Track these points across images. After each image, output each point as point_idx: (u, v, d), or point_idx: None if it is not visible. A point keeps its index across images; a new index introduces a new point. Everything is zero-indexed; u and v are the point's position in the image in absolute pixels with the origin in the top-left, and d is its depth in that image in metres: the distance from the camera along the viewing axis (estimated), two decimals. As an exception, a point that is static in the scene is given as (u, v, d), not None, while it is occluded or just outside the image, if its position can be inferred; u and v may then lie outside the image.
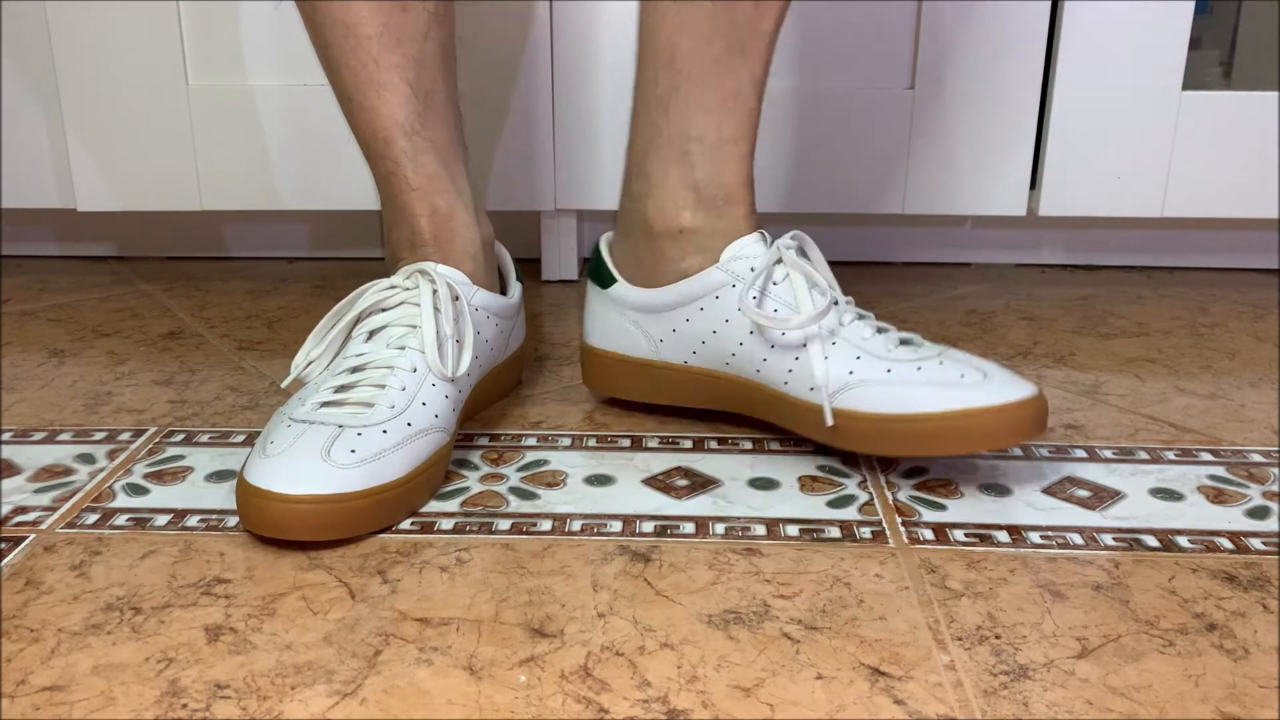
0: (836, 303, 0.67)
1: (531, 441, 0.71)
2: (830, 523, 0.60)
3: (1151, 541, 0.58)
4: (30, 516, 0.61)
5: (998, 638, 0.50)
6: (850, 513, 0.61)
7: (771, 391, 0.68)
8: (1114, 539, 0.59)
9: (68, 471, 0.66)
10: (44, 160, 1.04)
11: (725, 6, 0.65)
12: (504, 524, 0.60)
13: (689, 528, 0.60)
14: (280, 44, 1.00)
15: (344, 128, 0.73)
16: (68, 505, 0.62)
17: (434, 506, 0.62)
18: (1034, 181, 1.03)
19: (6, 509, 0.62)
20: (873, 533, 0.59)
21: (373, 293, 0.67)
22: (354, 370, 0.63)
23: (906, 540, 0.58)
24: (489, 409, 0.75)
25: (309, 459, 0.57)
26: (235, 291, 1.04)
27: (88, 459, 0.68)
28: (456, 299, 0.67)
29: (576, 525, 0.60)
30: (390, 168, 0.70)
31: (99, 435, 0.71)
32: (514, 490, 0.64)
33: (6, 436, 0.71)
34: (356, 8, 0.67)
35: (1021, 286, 1.05)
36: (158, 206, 1.04)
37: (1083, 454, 0.69)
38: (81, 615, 0.52)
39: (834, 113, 1.00)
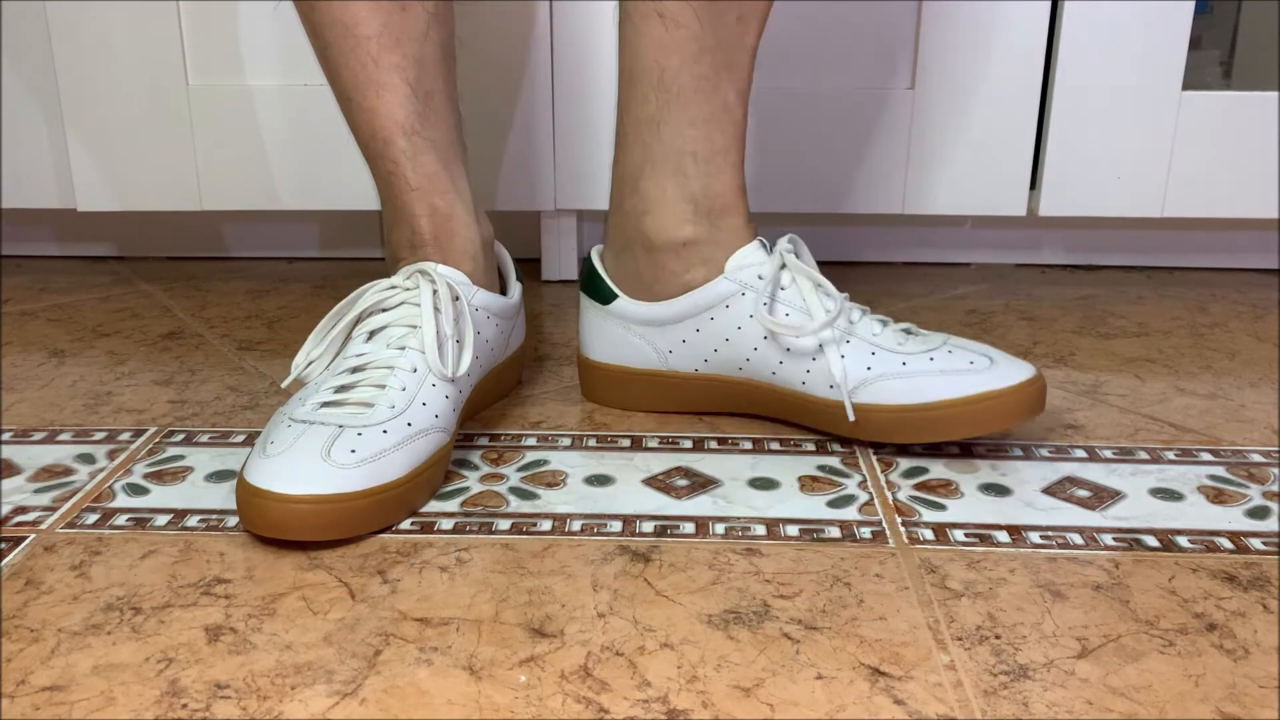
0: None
1: (531, 441, 0.71)
2: (830, 523, 0.60)
3: (1151, 541, 0.58)
4: (30, 516, 0.61)
5: (998, 638, 0.50)
6: (850, 513, 0.61)
7: (788, 392, 0.69)
8: (1114, 539, 0.59)
9: (68, 471, 0.66)
10: (44, 160, 1.04)
11: (710, 27, 0.66)
12: (504, 524, 0.60)
13: (689, 528, 0.60)
14: (280, 44, 1.00)
15: (344, 128, 0.73)
16: (68, 505, 0.62)
17: (434, 506, 0.62)
18: (1034, 181, 1.03)
19: (6, 509, 0.62)
20: (873, 533, 0.59)
21: (373, 293, 0.67)
22: (354, 370, 0.63)
23: (906, 540, 0.58)
24: (489, 409, 0.75)
25: (309, 459, 0.57)
26: (235, 291, 1.04)
27: (88, 459, 0.68)
28: (457, 299, 0.67)
29: (576, 525, 0.60)
30: (390, 168, 0.70)
31: (99, 435, 0.71)
32: (514, 490, 0.64)
33: (6, 436, 0.71)
34: (355, 8, 0.67)
35: (1021, 286, 1.05)
36: (158, 206, 1.04)
37: (1083, 454, 0.69)
38: (81, 615, 0.52)
39: (834, 113, 1.00)
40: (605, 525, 0.60)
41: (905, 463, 0.67)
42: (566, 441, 0.71)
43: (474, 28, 0.97)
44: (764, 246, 0.70)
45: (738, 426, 0.73)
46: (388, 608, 0.52)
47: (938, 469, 0.67)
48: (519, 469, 0.67)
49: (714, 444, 0.70)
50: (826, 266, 0.81)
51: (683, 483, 0.65)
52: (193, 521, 0.60)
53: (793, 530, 0.59)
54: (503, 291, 0.77)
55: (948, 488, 0.64)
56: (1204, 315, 0.97)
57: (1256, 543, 0.58)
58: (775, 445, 0.70)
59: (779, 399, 0.70)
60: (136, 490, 0.64)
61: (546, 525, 0.60)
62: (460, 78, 0.74)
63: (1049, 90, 0.99)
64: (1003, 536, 0.59)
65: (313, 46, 0.70)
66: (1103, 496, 0.63)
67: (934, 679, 0.47)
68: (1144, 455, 0.69)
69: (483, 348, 0.70)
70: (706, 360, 0.71)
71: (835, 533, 0.59)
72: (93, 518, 0.61)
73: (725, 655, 0.49)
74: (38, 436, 0.71)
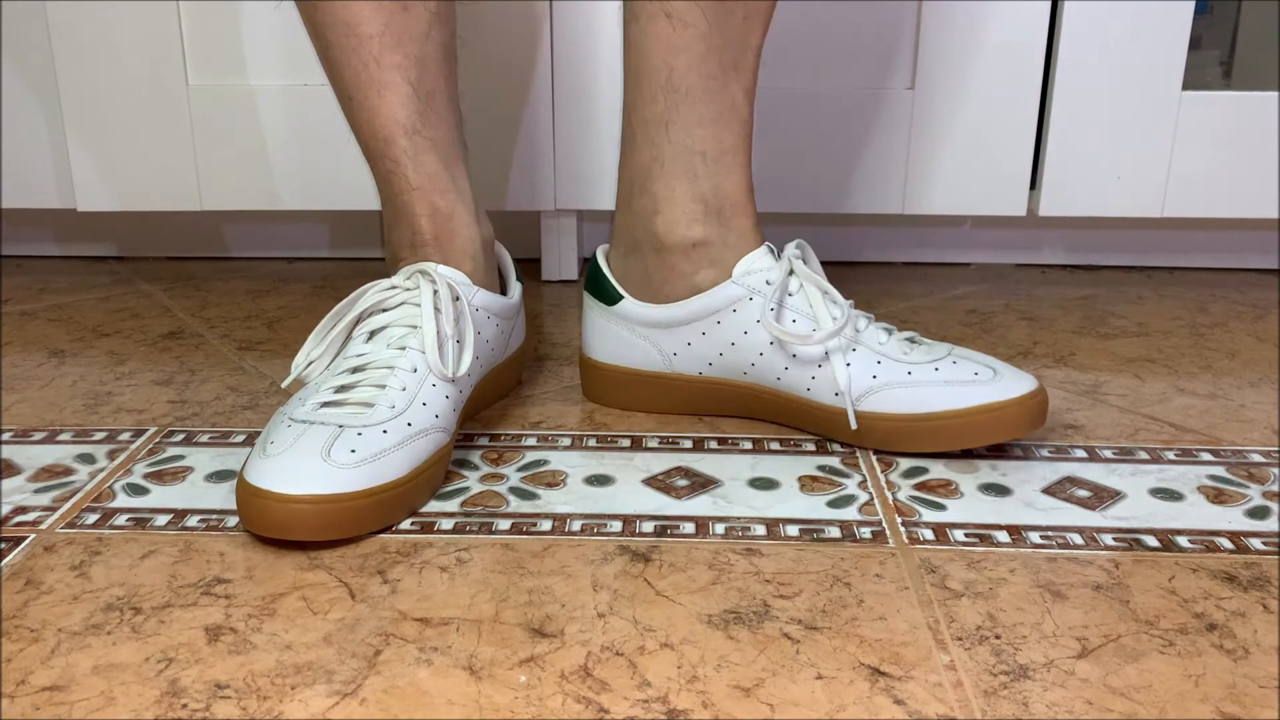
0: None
1: (531, 441, 0.71)
2: (830, 523, 0.60)
3: (1151, 541, 0.58)
4: (30, 516, 0.61)
5: (998, 638, 0.50)
6: (850, 513, 0.61)
7: (792, 397, 0.70)
8: (1114, 539, 0.59)
9: (68, 471, 0.66)
10: (44, 160, 1.04)
11: (718, 26, 0.66)
12: (504, 524, 0.60)
13: (689, 528, 0.60)
14: (280, 44, 1.00)
15: (344, 128, 0.73)
16: (68, 505, 0.62)
17: (434, 506, 0.62)
18: (1034, 181, 1.03)
19: (6, 509, 0.62)
20: (873, 533, 0.59)
21: (373, 293, 0.67)
22: (354, 370, 0.63)
23: (906, 540, 0.58)
24: (489, 409, 0.75)
25: (309, 459, 0.57)
26: (235, 291, 1.04)
27: (88, 459, 0.68)
28: (457, 299, 0.67)
29: (576, 525, 0.60)
30: (391, 167, 0.70)
31: (99, 435, 0.71)
32: (514, 490, 0.64)
33: (6, 436, 0.71)
34: (357, 7, 0.67)
35: (1021, 286, 1.05)
36: (158, 206, 1.04)
37: (1083, 454, 0.69)
38: (81, 615, 0.52)
39: (834, 113, 1.00)
40: (605, 525, 0.60)
41: (905, 463, 0.67)
42: (566, 441, 0.71)
43: (474, 28, 0.97)
44: (772, 252, 0.70)
45: (738, 426, 0.73)
46: (388, 608, 0.52)
47: (938, 469, 0.67)
48: (519, 469, 0.67)
49: (714, 444, 0.70)
50: (826, 267, 0.81)
51: (683, 483, 0.65)
52: (193, 521, 0.60)
53: (793, 530, 0.59)
54: (503, 291, 0.77)
55: (948, 488, 0.64)
56: (1204, 315, 0.97)
57: (1256, 543, 0.58)
58: (775, 445, 0.70)
59: (782, 404, 0.71)
60: (136, 490, 0.64)
61: (546, 525, 0.60)
62: (460, 78, 0.74)
63: (1049, 90, 0.99)
64: (1003, 536, 0.59)
65: (314, 46, 0.70)
66: (1103, 496, 0.63)
67: (934, 679, 0.47)
68: (1144, 455, 0.69)
69: (483, 348, 0.70)
70: (711, 364, 0.71)
71: (835, 533, 0.59)
72: (93, 518, 0.61)
73: (725, 655, 0.49)
74: (38, 436, 0.71)
